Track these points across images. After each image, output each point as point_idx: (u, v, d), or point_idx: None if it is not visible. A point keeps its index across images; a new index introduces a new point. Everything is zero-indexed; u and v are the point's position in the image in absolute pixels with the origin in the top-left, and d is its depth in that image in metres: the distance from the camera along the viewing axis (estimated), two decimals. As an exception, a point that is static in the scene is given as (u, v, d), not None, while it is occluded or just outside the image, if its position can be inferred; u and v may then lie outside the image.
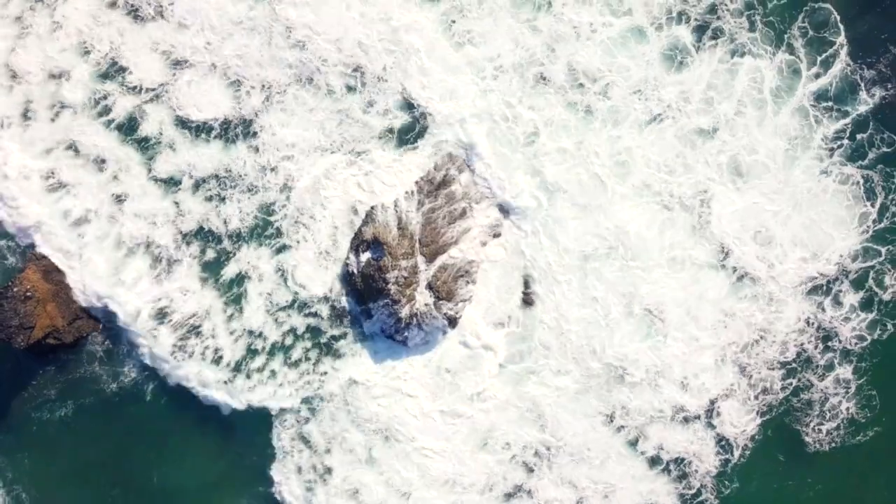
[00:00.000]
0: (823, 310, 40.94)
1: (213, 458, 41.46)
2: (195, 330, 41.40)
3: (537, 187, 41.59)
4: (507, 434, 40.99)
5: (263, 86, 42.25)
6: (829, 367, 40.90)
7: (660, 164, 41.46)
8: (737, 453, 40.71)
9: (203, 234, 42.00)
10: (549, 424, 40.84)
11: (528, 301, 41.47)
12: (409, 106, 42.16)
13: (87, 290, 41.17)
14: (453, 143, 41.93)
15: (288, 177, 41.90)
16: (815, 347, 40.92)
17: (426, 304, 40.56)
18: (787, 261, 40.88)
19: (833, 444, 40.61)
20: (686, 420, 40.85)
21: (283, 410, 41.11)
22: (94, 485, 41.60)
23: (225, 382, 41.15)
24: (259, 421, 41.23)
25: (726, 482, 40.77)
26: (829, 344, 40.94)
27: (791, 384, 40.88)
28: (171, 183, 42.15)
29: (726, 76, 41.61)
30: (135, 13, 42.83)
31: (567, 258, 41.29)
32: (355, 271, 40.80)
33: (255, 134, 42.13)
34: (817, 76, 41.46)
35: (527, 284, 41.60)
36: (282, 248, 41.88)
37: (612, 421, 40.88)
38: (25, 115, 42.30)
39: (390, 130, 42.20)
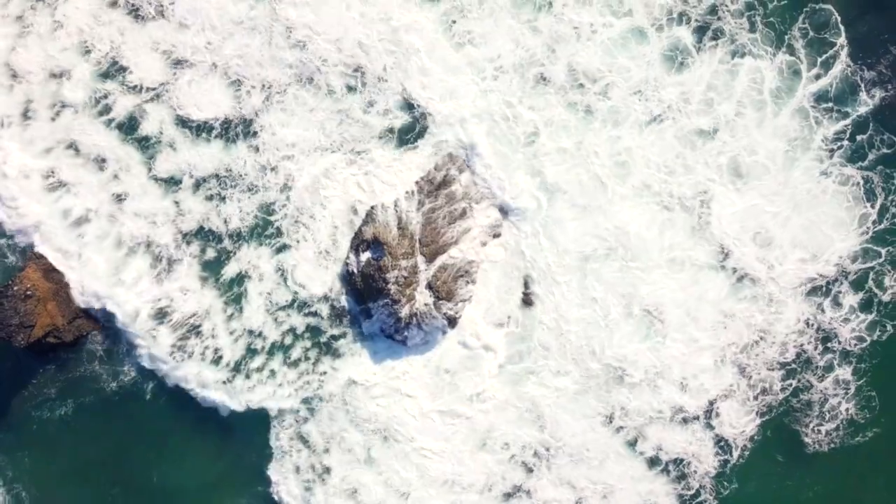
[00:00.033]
0: (823, 311, 40.92)
1: (213, 457, 41.52)
2: (195, 330, 41.45)
3: (537, 187, 41.59)
4: (506, 434, 41.02)
5: (264, 85, 42.27)
6: (829, 368, 40.89)
7: (660, 164, 41.44)
8: (736, 454, 40.72)
9: (203, 234, 42.04)
10: (549, 425, 40.87)
11: (527, 301, 41.50)
12: (409, 106, 42.17)
13: (86, 291, 41.20)
14: (453, 143, 41.94)
15: (288, 176, 41.93)
16: (815, 348, 40.91)
17: (426, 304, 40.59)
18: (786, 262, 40.86)
19: (832, 445, 40.61)
20: (685, 421, 40.86)
21: (282, 410, 41.14)
22: (94, 483, 41.68)
23: (224, 382, 41.19)
24: (258, 421, 41.25)
25: (725, 483, 40.78)
26: (829, 345, 40.93)
27: (790, 385, 40.88)
28: (172, 182, 42.20)
29: (726, 77, 41.59)
30: (135, 13, 42.85)
31: (567, 259, 41.30)
32: (355, 271, 40.83)
33: (255, 133, 42.16)
34: (817, 77, 41.42)
35: (527, 285, 41.63)
36: (282, 248, 41.92)
37: (611, 421, 40.89)
38: (26, 115, 42.34)
39: (390, 130, 42.22)
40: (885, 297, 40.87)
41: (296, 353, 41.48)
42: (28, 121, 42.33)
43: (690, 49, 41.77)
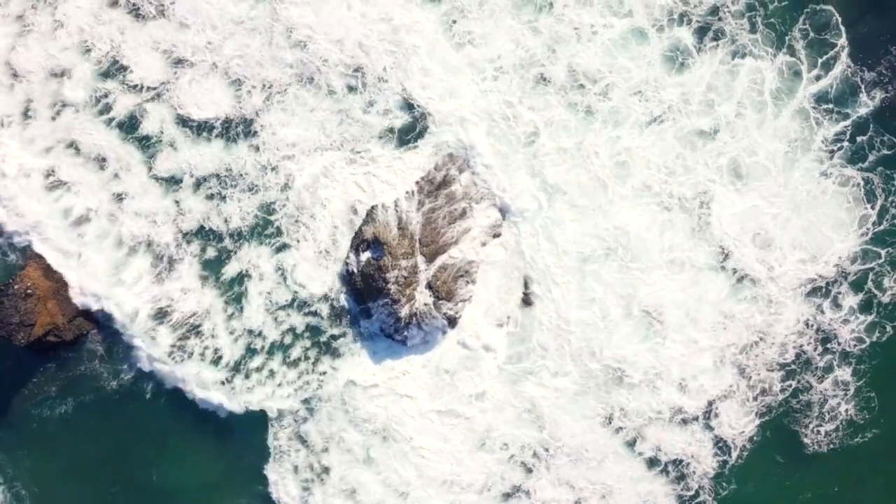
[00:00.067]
0: (823, 312, 40.91)
1: (213, 456, 41.54)
2: (195, 329, 41.48)
3: (537, 188, 41.60)
4: (505, 434, 41.02)
5: (264, 85, 42.30)
6: (828, 368, 40.88)
7: (660, 165, 41.44)
8: (735, 455, 40.71)
9: (203, 233, 42.07)
10: (548, 425, 40.86)
11: (527, 301, 41.50)
12: (409, 106, 42.18)
13: (85, 291, 41.20)
14: (453, 143, 41.95)
15: (288, 176, 41.96)
16: (815, 349, 40.90)
17: (426, 304, 40.61)
18: (786, 263, 40.85)
19: (832, 446, 40.60)
20: (684, 421, 40.85)
21: (281, 410, 41.14)
22: (94, 482, 41.70)
23: (223, 383, 41.22)
24: (258, 420, 41.25)
25: (724, 483, 40.76)
26: (829, 346, 40.91)
27: (790, 386, 40.87)
28: (172, 182, 42.24)
29: (727, 77, 41.57)
30: (136, 12, 42.91)
31: (566, 259, 41.30)
32: (355, 271, 40.85)
33: (255, 133, 42.19)
34: (818, 78, 41.41)
35: (526, 285, 41.63)
36: (282, 247, 41.95)
37: (610, 422, 40.89)
38: (26, 114, 42.39)
39: (391, 130, 42.25)
40: (885, 299, 40.86)
41: (295, 352, 41.51)
42: (28, 120, 42.38)
43: (691, 50, 41.76)
